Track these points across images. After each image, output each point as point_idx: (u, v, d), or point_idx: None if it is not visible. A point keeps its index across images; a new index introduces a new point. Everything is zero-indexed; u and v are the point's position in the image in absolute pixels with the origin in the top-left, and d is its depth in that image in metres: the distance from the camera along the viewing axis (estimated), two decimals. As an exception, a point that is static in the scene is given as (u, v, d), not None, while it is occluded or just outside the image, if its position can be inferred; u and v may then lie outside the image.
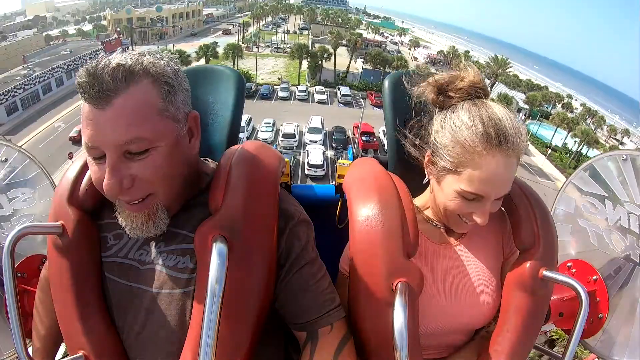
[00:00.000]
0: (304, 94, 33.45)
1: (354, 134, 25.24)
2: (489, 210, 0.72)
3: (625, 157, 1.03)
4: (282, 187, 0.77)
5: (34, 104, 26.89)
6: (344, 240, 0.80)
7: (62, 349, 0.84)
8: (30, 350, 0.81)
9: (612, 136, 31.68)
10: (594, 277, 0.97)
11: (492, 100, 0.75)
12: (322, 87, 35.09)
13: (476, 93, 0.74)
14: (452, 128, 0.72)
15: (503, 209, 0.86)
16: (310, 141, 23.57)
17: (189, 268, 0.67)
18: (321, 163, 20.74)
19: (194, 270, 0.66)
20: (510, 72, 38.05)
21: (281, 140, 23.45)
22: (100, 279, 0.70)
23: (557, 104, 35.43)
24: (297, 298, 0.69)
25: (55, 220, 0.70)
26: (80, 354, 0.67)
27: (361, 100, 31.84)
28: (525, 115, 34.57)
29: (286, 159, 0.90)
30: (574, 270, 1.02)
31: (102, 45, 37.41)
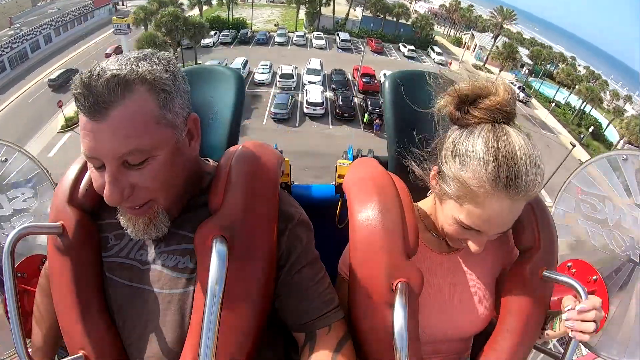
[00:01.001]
0: (302, 39, 32.81)
1: (353, 77, 24.82)
2: (486, 241, 0.71)
3: (625, 157, 1.03)
4: (282, 187, 0.77)
5: (23, 62, 26.09)
6: (344, 240, 0.80)
7: (62, 349, 0.84)
8: (30, 350, 0.81)
9: (614, 100, 30.98)
10: (594, 277, 0.98)
11: (518, 126, 0.67)
12: (321, 33, 34.44)
13: (501, 117, 0.65)
14: (462, 156, 0.65)
15: None
16: (309, 82, 23.17)
17: (189, 268, 0.67)
18: (321, 101, 20.33)
19: (194, 271, 0.66)
20: (515, 24, 36.76)
21: (278, 81, 23.05)
22: (101, 279, 0.70)
23: (560, 64, 34.45)
24: (296, 299, 0.69)
25: (55, 220, 0.70)
26: (81, 354, 0.67)
27: (360, 46, 31.16)
28: (528, 71, 33.89)
29: (286, 159, 0.90)
30: (574, 270, 1.02)
31: (90, 0, 36.08)
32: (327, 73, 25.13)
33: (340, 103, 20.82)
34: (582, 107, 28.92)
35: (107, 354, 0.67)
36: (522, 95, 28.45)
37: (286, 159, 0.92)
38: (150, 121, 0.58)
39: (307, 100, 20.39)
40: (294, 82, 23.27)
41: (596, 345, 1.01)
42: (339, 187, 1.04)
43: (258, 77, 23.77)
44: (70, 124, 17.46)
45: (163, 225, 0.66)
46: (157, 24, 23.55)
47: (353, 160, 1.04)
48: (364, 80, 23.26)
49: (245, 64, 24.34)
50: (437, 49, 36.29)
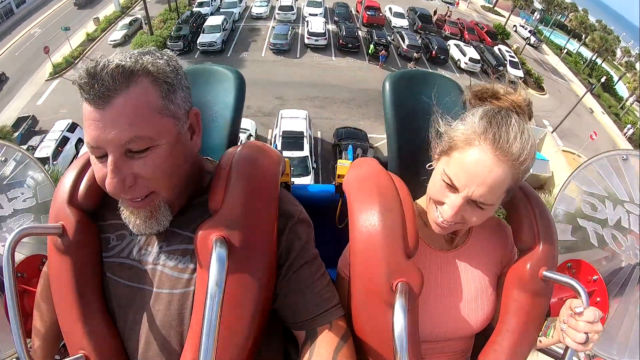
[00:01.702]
0: None
1: (357, 11, 23.90)
2: (460, 210, 0.69)
3: (625, 157, 1.03)
4: (282, 187, 0.77)
5: (8, 18, 24.83)
6: (344, 240, 0.80)
7: (63, 349, 0.84)
8: (30, 350, 0.81)
9: (626, 56, 29.89)
10: (594, 277, 0.97)
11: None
12: None
13: (518, 110, 0.71)
14: (466, 115, 0.72)
15: (506, 223, 0.86)
16: (310, 14, 22.18)
17: (189, 268, 0.67)
18: (322, 31, 19.34)
19: (195, 271, 0.67)
20: None
21: (277, 14, 22.11)
22: (101, 279, 0.70)
23: (572, 14, 32.78)
24: (296, 297, 0.70)
25: (55, 220, 0.70)
26: (81, 354, 0.67)
27: None
28: (539, 18, 32.69)
29: (286, 159, 0.90)
30: (574, 270, 1.02)
31: None
32: (328, 7, 23.90)
33: (344, 34, 19.61)
34: (594, 58, 27.89)
35: (107, 354, 0.67)
36: (533, 39, 27.45)
37: (286, 160, 0.92)
38: (153, 110, 0.59)
39: (308, 31, 19.35)
40: (293, 14, 22.32)
41: (596, 346, 1.01)
42: (339, 187, 1.04)
43: (255, 10, 22.65)
44: (58, 70, 16.95)
45: (165, 218, 0.66)
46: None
47: (353, 160, 1.04)
48: (368, 12, 22.18)
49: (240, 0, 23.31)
50: None
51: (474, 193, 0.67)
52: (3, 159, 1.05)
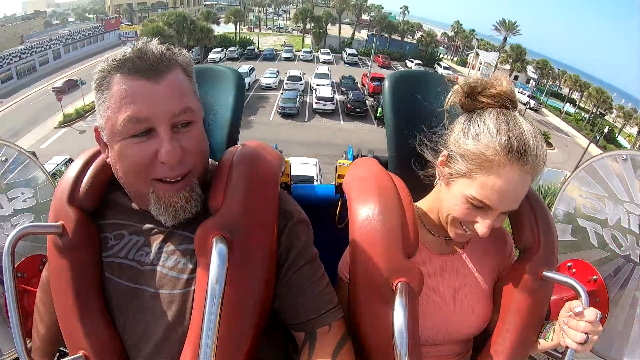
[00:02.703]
0: (309, 55, 32.83)
1: (363, 84, 24.50)
2: (493, 223, 0.70)
3: (625, 157, 1.03)
4: (282, 187, 0.77)
5: (30, 74, 26.32)
6: (344, 240, 0.80)
7: (62, 349, 0.84)
8: (30, 350, 0.81)
9: (620, 112, 31.31)
10: (594, 277, 0.97)
11: (520, 114, 0.73)
12: (327, 49, 34.43)
13: (505, 103, 0.72)
14: (475, 132, 0.69)
15: (505, 229, 0.86)
16: (318, 85, 22.71)
17: (189, 268, 0.67)
18: (330, 96, 19.62)
19: (194, 271, 0.66)
20: (519, 34, 36.61)
21: (286, 84, 22.55)
22: (101, 279, 0.70)
23: (564, 82, 34.61)
24: (295, 298, 0.70)
25: (55, 220, 0.70)
26: (81, 354, 0.67)
27: (367, 62, 30.94)
28: (534, 86, 33.96)
29: (286, 159, 0.90)
30: (574, 270, 1.02)
31: (101, 23, 36.50)
32: (335, 81, 24.82)
33: (351, 98, 20.05)
34: (593, 113, 29.15)
35: (107, 354, 0.67)
36: (532, 102, 28.77)
37: (286, 160, 0.92)
38: (191, 90, 0.66)
39: (316, 96, 19.63)
40: (302, 84, 22.96)
41: (596, 346, 1.01)
42: (339, 187, 1.04)
43: (265, 80, 23.49)
44: (67, 120, 17.51)
45: (199, 200, 0.67)
46: (165, 22, 23.48)
47: (353, 160, 1.04)
48: (374, 83, 22.83)
49: (251, 70, 24.09)
50: (443, 64, 36.50)
51: (507, 207, 0.69)
52: (3, 159, 1.05)
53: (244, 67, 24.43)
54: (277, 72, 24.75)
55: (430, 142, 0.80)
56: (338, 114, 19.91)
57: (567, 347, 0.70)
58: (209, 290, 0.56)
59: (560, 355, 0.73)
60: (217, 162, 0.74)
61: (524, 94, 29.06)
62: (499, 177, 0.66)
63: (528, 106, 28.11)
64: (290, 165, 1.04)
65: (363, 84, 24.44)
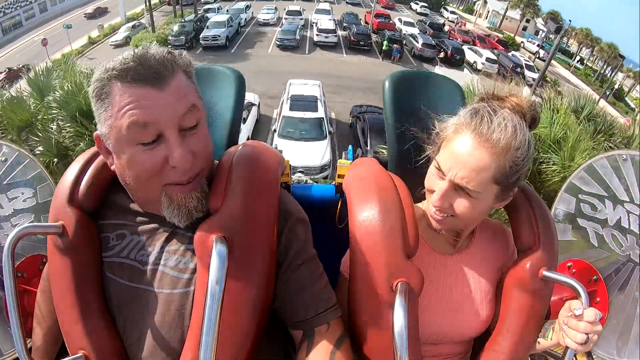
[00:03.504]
0: None
1: (366, 22, 23.35)
2: (446, 194, 0.71)
3: (625, 157, 1.03)
4: (282, 187, 0.77)
5: (16, 29, 25.22)
6: (344, 240, 0.80)
7: (62, 349, 0.84)
8: (30, 350, 0.81)
9: (630, 74, 30.47)
10: (594, 277, 0.98)
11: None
12: None
13: (518, 109, 0.73)
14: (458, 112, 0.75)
15: (507, 229, 0.86)
16: (319, 19, 21.39)
17: (189, 268, 0.68)
18: (332, 28, 18.52)
19: (195, 271, 0.67)
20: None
21: (285, 18, 21.52)
22: (101, 279, 0.70)
23: (573, 39, 33.63)
24: (294, 296, 0.70)
25: (55, 220, 0.70)
26: (81, 354, 0.67)
27: (371, 3, 29.13)
28: (544, 38, 33.12)
29: (286, 159, 0.90)
30: (574, 270, 1.02)
31: None
32: (337, 19, 23.31)
33: (355, 31, 18.68)
34: (604, 68, 28.26)
35: (107, 354, 0.67)
36: (542, 52, 27.95)
37: (286, 160, 0.92)
38: (194, 90, 0.66)
39: (317, 28, 18.48)
40: (302, 19, 21.95)
41: (596, 346, 1.01)
42: (339, 187, 1.04)
43: (262, 16, 22.26)
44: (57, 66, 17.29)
45: (208, 200, 0.68)
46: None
47: (353, 160, 1.04)
48: (378, 19, 21.74)
49: (247, 7, 22.90)
50: (450, 8, 35.26)
51: (456, 175, 0.69)
52: (3, 159, 1.05)
53: (239, 4, 23.40)
54: (276, 8, 23.65)
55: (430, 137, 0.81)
56: (340, 48, 18.76)
57: (567, 347, 0.70)
58: (209, 290, 0.56)
59: (560, 355, 0.73)
60: (217, 162, 0.74)
61: (534, 43, 28.43)
62: (454, 142, 0.71)
63: (537, 56, 27.34)
64: (290, 165, 1.04)
65: (366, 22, 23.31)
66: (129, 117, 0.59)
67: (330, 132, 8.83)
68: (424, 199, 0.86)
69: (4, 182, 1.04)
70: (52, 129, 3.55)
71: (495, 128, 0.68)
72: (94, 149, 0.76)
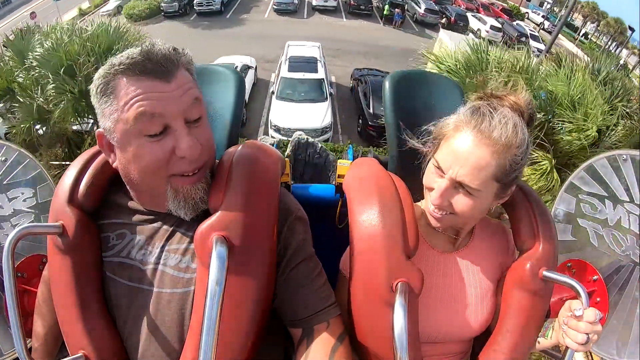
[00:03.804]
0: None
1: None
2: (446, 192, 0.71)
3: (625, 157, 1.03)
4: (281, 186, 0.77)
5: (5, 5, 24.25)
6: (344, 240, 0.80)
7: (63, 348, 0.84)
8: (30, 350, 0.81)
9: (636, 51, 29.71)
10: (594, 277, 0.98)
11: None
12: None
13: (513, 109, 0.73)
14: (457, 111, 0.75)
15: (508, 228, 0.86)
16: None
17: (190, 268, 0.68)
18: None
19: (195, 270, 0.67)
20: None
21: None
22: (101, 279, 0.70)
23: (578, 12, 32.54)
24: (293, 295, 0.70)
25: (55, 220, 0.70)
26: (81, 354, 0.67)
27: None
28: (549, 9, 32.36)
29: (286, 159, 0.90)
30: (574, 270, 1.02)
31: None
32: None
33: None
34: (607, 44, 27.80)
35: (107, 354, 0.67)
36: (547, 23, 27.36)
37: (286, 160, 0.92)
38: (196, 85, 0.68)
39: None
40: None
41: (596, 346, 1.01)
42: (339, 187, 1.04)
43: None
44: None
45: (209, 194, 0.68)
46: None
47: (353, 160, 1.04)
48: None
49: None
50: None
51: (457, 173, 0.69)
52: (3, 159, 1.05)
53: None
54: None
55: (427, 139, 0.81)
56: (340, 12, 18.16)
57: (567, 347, 0.70)
58: (209, 290, 0.56)
59: (560, 355, 0.73)
60: (217, 162, 0.74)
61: (538, 14, 27.99)
62: (454, 139, 0.71)
63: (542, 27, 26.68)
64: (290, 165, 1.04)
65: None
66: (137, 108, 0.59)
67: (330, 94, 8.58)
68: (423, 197, 0.86)
69: (4, 182, 1.04)
70: (32, 92, 3.42)
71: (496, 125, 0.68)
72: (94, 149, 0.76)
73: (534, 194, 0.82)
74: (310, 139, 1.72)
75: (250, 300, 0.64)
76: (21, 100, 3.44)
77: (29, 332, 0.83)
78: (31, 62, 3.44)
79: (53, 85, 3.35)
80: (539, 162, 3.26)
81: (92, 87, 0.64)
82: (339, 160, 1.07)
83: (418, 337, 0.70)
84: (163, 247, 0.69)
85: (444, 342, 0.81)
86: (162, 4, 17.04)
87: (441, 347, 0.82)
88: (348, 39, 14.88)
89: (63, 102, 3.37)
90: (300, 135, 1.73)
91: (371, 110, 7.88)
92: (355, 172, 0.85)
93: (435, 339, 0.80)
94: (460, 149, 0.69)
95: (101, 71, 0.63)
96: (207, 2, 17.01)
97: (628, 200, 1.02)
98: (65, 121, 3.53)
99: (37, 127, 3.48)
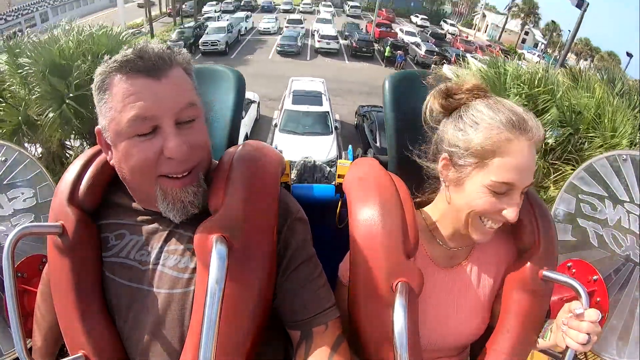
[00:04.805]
0: (309, 6, 31.81)
1: (367, 32, 23.35)
2: (519, 204, 0.70)
3: (625, 157, 1.04)
4: (281, 187, 0.77)
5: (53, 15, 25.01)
6: (344, 240, 0.80)
7: (62, 349, 0.84)
8: (30, 350, 0.81)
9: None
10: (594, 277, 0.98)
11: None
12: (329, 2, 33.34)
13: (481, 93, 0.74)
14: (472, 121, 0.70)
15: (507, 229, 0.86)
16: (320, 27, 21.40)
17: (189, 268, 0.67)
18: (334, 34, 18.45)
19: (195, 270, 0.66)
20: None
21: (286, 27, 21.57)
22: (101, 279, 0.70)
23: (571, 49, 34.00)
24: (293, 296, 0.70)
25: (55, 220, 0.70)
26: (80, 354, 0.67)
27: (371, 16, 29.27)
28: (543, 50, 33.10)
29: (286, 159, 0.90)
30: (574, 270, 1.02)
31: None
32: (339, 30, 23.44)
33: (357, 38, 18.70)
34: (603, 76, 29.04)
35: (107, 354, 0.67)
36: (542, 63, 28.04)
37: (286, 160, 0.92)
38: (193, 87, 0.67)
39: (319, 34, 18.44)
40: (302, 27, 22.01)
41: (596, 346, 1.01)
42: (339, 187, 1.04)
43: (263, 25, 22.37)
44: None
45: (205, 196, 0.67)
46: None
47: (353, 160, 1.04)
48: (379, 29, 21.79)
49: (248, 17, 23.08)
50: (449, 21, 35.87)
51: (527, 182, 0.69)
52: (3, 159, 1.05)
53: (239, 14, 23.62)
54: (276, 18, 23.96)
55: (425, 153, 0.81)
56: (342, 55, 18.71)
57: (567, 347, 0.70)
58: (209, 290, 0.56)
59: (560, 356, 0.73)
60: (217, 162, 0.74)
61: (534, 54, 28.69)
62: (512, 153, 0.67)
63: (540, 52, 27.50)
64: (290, 165, 1.04)
65: (367, 32, 23.38)
66: (127, 108, 0.59)
67: (336, 127, 8.41)
68: (424, 200, 0.85)
69: (4, 182, 1.04)
70: (20, 92, 2.98)
71: (532, 120, 0.68)
72: (94, 149, 0.76)
73: (534, 194, 0.82)
74: (318, 162, 1.70)
75: (250, 300, 0.64)
76: (3, 103, 2.97)
77: (29, 332, 0.83)
78: (20, 57, 2.99)
79: (39, 89, 2.93)
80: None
81: (93, 85, 0.64)
82: (339, 161, 1.07)
83: (418, 337, 0.70)
84: (162, 247, 0.69)
85: (442, 349, 0.82)
86: (168, 42, 17.67)
87: (438, 353, 0.82)
88: (351, 80, 15.20)
89: (49, 111, 2.92)
90: (307, 158, 1.70)
91: (378, 144, 7.88)
92: (355, 172, 0.85)
93: (432, 347, 0.80)
94: (522, 160, 0.67)
95: (99, 68, 0.63)
96: (212, 43, 17.45)
97: (628, 200, 1.02)
98: (52, 137, 3.09)
99: (25, 128, 3.06)
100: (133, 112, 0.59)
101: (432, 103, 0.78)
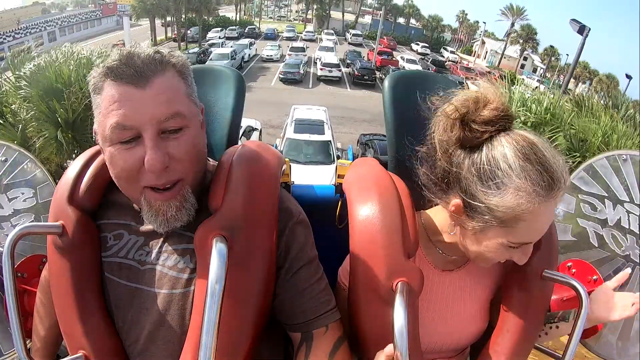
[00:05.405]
0: (311, 34, 32.25)
1: (369, 59, 23.53)
2: (530, 252, 0.69)
3: (625, 157, 1.03)
4: (282, 187, 0.77)
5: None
6: (344, 240, 0.80)
7: (62, 349, 0.84)
8: (30, 350, 0.81)
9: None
10: (594, 277, 0.97)
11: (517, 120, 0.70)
12: (331, 30, 33.83)
13: (506, 123, 0.64)
14: (497, 176, 0.62)
15: None
16: (322, 56, 21.65)
17: (189, 268, 0.67)
18: (336, 62, 18.64)
19: (194, 270, 0.66)
20: (527, 20, 35.77)
21: (289, 54, 21.82)
22: (101, 279, 0.70)
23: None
24: (294, 299, 0.69)
25: (55, 220, 0.70)
26: (80, 354, 0.67)
27: (372, 44, 29.69)
28: (542, 73, 33.46)
29: (286, 159, 0.90)
30: (574, 270, 1.02)
31: (99, 7, 34.87)
32: (341, 58, 23.88)
33: (359, 66, 18.85)
34: (603, 98, 29.60)
35: (107, 354, 0.67)
36: (542, 87, 28.39)
37: (286, 160, 0.92)
38: (184, 93, 0.64)
39: (321, 62, 18.63)
40: (305, 55, 22.23)
41: (596, 346, 1.01)
42: (339, 187, 1.04)
43: (266, 52, 22.71)
44: None
45: (192, 209, 0.66)
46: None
47: (353, 160, 1.04)
48: (381, 57, 21.99)
49: (252, 43, 23.45)
50: (449, 48, 36.35)
51: (541, 236, 0.68)
52: (3, 159, 1.05)
53: (243, 41, 24.12)
54: (279, 46, 24.29)
55: (431, 175, 0.73)
56: (344, 83, 18.83)
57: (567, 347, 0.70)
58: (209, 290, 0.56)
59: (560, 356, 0.73)
60: (216, 162, 0.74)
61: (533, 79, 29.02)
62: (537, 217, 0.62)
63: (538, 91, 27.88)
64: (290, 165, 1.04)
65: (369, 59, 23.58)
66: (111, 114, 0.59)
67: (338, 157, 8.16)
68: (424, 202, 0.85)
69: (4, 182, 1.04)
70: (19, 113, 2.99)
71: (562, 173, 0.61)
72: (94, 149, 0.76)
73: None
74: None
75: (250, 300, 0.64)
76: (2, 123, 2.91)
77: (29, 332, 0.83)
78: (19, 80, 3.02)
79: (33, 111, 2.89)
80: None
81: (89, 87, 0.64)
82: (338, 161, 1.07)
83: (418, 336, 0.70)
84: (161, 247, 0.69)
85: (440, 351, 0.82)
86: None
87: (436, 355, 0.82)
88: (353, 107, 15.26)
89: (44, 133, 2.88)
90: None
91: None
92: (355, 172, 0.85)
93: (431, 350, 0.80)
94: (545, 222, 0.65)
95: (93, 71, 0.63)
96: (215, 68, 17.99)
97: (628, 200, 1.02)
98: (49, 159, 3.02)
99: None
100: (114, 120, 0.59)
101: (448, 132, 0.67)
